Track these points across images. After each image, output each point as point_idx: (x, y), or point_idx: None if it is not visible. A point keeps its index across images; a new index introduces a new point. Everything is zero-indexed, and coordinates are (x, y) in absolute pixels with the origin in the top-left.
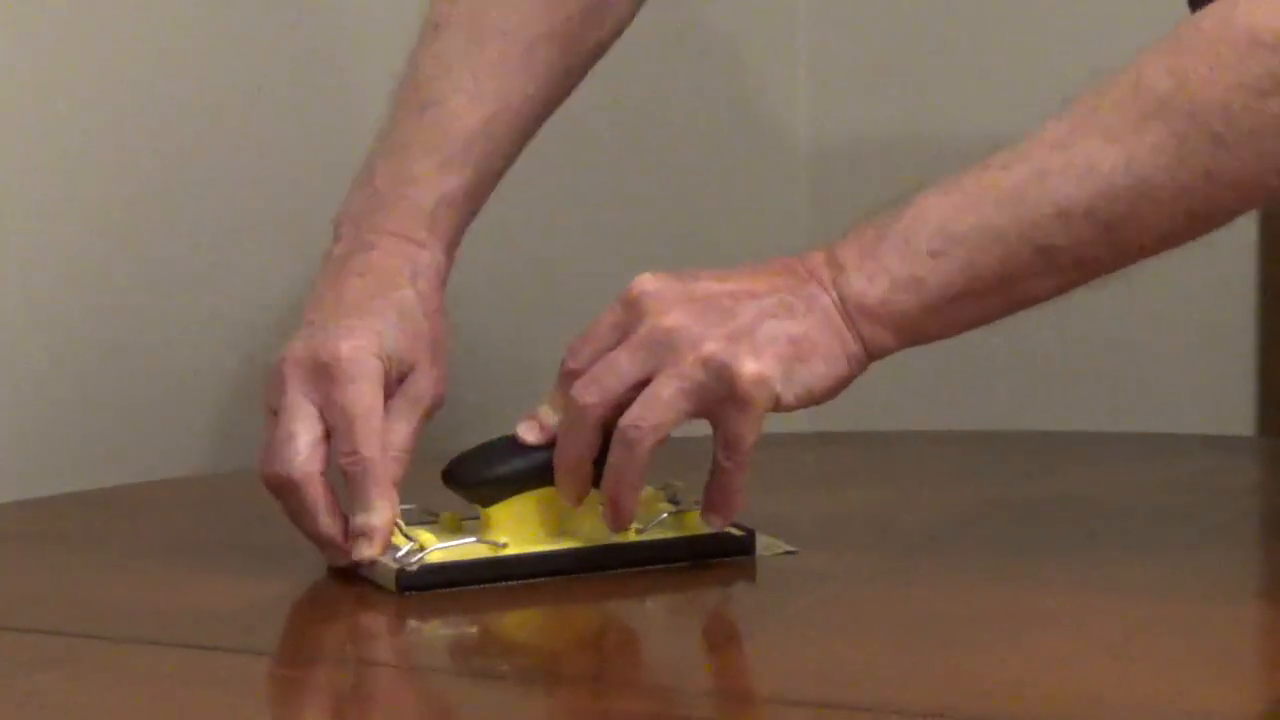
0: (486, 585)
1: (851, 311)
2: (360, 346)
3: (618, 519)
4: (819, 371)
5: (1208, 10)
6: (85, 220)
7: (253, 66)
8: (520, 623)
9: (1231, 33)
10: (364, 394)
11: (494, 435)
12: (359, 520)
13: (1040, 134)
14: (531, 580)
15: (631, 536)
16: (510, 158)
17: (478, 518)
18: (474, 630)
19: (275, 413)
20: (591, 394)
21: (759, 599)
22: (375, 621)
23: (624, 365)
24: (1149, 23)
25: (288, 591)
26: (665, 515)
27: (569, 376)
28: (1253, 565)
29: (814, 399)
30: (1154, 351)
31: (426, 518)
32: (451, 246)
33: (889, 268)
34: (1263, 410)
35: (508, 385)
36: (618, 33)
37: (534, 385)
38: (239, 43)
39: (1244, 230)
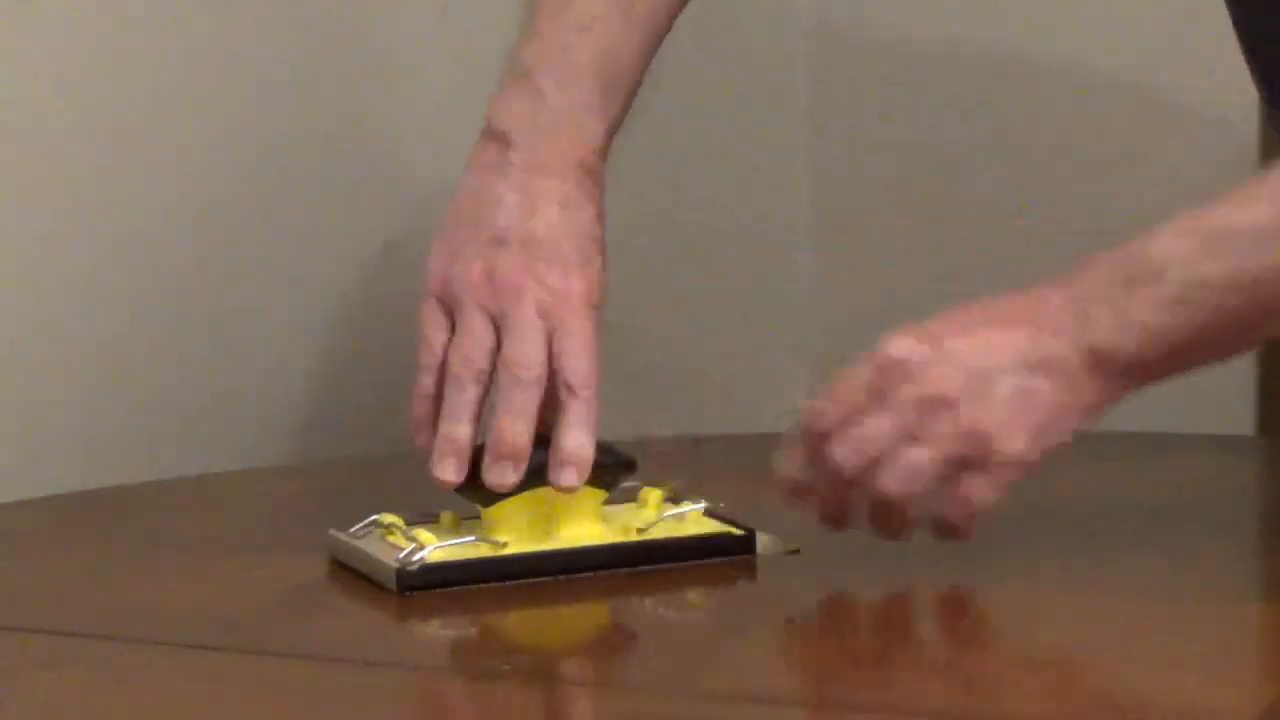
0: (487, 585)
1: (1098, 366)
2: (590, 287)
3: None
4: (1061, 435)
5: None
6: (88, 221)
7: (274, 63)
8: (520, 623)
9: None
10: (592, 338)
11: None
12: (572, 442)
13: (1270, 172)
14: (532, 580)
15: (632, 536)
16: (659, 41)
17: (478, 517)
18: (474, 630)
19: (483, 308)
20: (853, 460)
21: (759, 599)
22: (376, 621)
23: (886, 432)
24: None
25: (288, 591)
26: (667, 515)
27: (814, 439)
28: (1253, 565)
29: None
30: None
31: (427, 518)
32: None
33: (1138, 319)
34: (1263, 410)
35: None
36: None
37: None
38: (257, 41)
39: None
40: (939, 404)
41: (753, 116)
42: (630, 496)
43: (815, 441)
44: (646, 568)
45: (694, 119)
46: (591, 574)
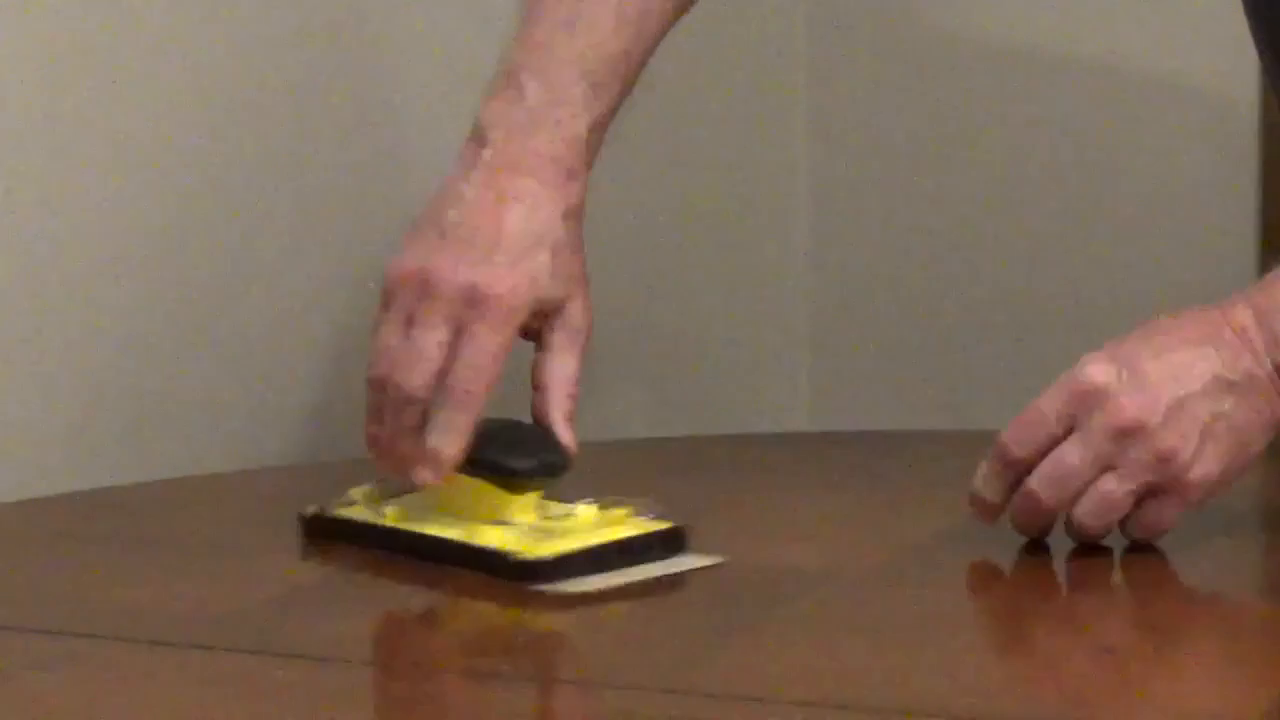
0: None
1: None
2: (516, 288)
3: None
4: (1251, 456)
5: None
6: (86, 221)
7: (274, 63)
8: (520, 622)
9: None
10: (500, 338)
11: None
12: (434, 442)
13: None
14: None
15: (523, 546)
16: (657, 38)
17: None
18: (474, 630)
19: (410, 319)
20: (1052, 495)
21: (758, 599)
22: (375, 621)
23: (1083, 466)
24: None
25: (287, 591)
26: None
27: (1011, 465)
28: (1253, 565)
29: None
30: None
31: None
32: (586, 179)
33: None
34: None
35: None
36: None
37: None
38: (256, 41)
39: (1244, 230)
40: (1135, 433)
41: (752, 117)
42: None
43: (1011, 468)
44: (643, 557)
45: (692, 120)
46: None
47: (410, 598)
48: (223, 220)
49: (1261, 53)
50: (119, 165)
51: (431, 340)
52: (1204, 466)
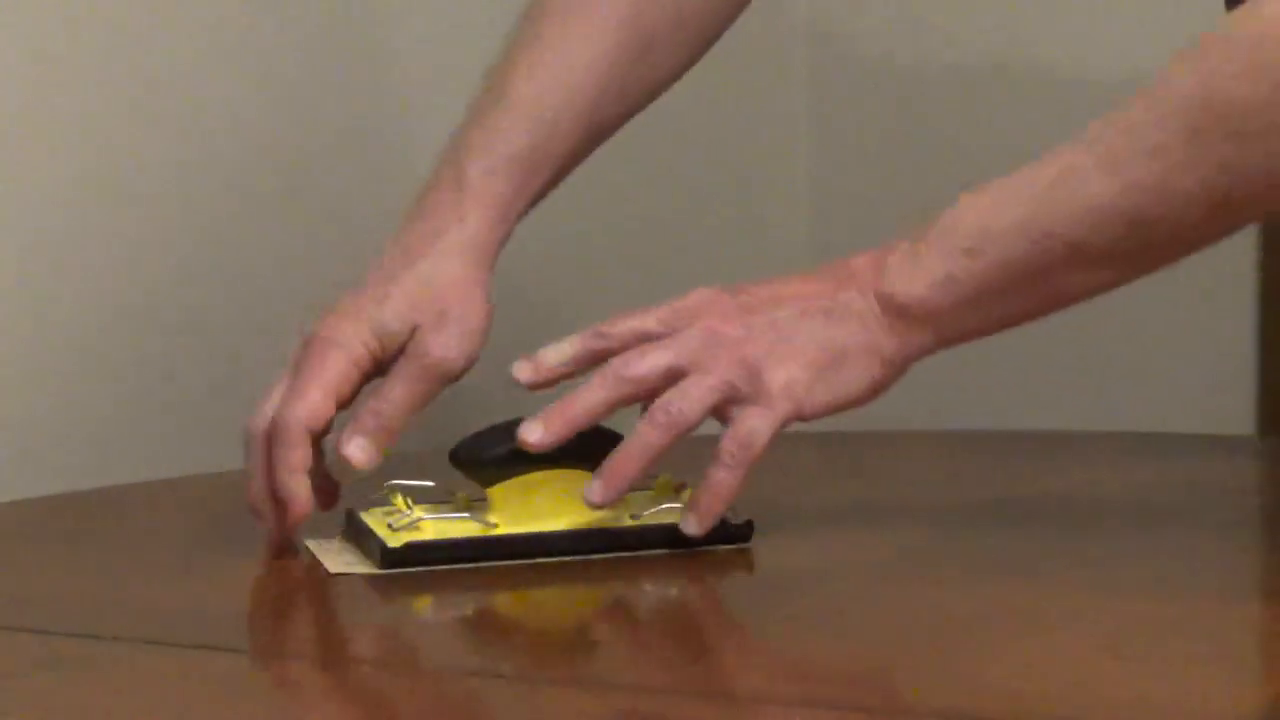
0: (483, 575)
1: (890, 312)
2: (337, 326)
3: (608, 491)
4: (849, 376)
5: (1234, 11)
6: (86, 222)
7: (274, 63)
8: (520, 622)
9: (1251, 32)
10: (311, 367)
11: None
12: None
13: (1076, 135)
14: (524, 561)
15: (626, 522)
16: (588, 128)
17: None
18: (474, 630)
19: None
20: (632, 369)
21: (758, 598)
22: (376, 621)
23: (668, 355)
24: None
25: (287, 591)
26: (661, 506)
27: (598, 337)
28: (1252, 565)
29: (839, 408)
30: (1154, 351)
31: (443, 496)
32: (502, 214)
33: (928, 267)
34: (1263, 410)
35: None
36: (711, 8)
37: None
38: (257, 40)
39: (1244, 230)
40: (720, 336)
41: (752, 127)
42: (646, 485)
43: (593, 342)
44: (646, 562)
45: (692, 120)
46: (583, 559)
47: (409, 598)
48: (221, 221)
49: None
50: (119, 165)
51: (272, 389)
52: (787, 373)
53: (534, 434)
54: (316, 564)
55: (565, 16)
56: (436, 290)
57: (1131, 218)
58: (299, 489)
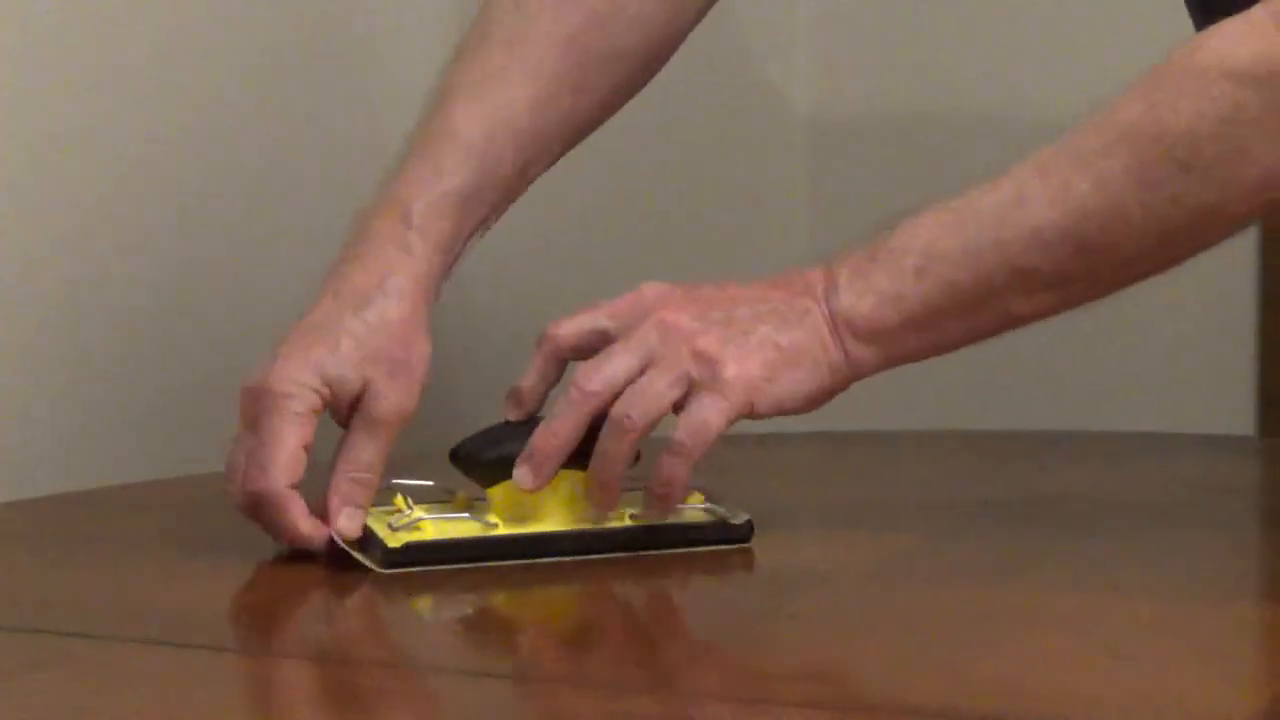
0: (484, 574)
1: (839, 326)
2: (289, 377)
3: (604, 502)
4: (799, 378)
5: (1183, 44)
6: (84, 221)
7: (271, 62)
8: (520, 622)
9: (1199, 64)
10: (274, 425)
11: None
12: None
13: (1028, 159)
14: (524, 561)
15: (626, 522)
16: (525, 164)
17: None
18: (473, 630)
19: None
20: (594, 384)
21: (759, 599)
22: (376, 621)
23: (625, 359)
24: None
25: (287, 591)
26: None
27: (553, 344)
28: (1253, 565)
29: (787, 409)
30: (1154, 351)
31: (443, 496)
32: (445, 250)
33: (876, 285)
34: (1263, 410)
35: (518, 368)
36: (651, 42)
37: None
38: (256, 42)
39: (1244, 231)
40: (675, 329)
41: (753, 118)
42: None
43: (549, 351)
44: (646, 562)
45: (693, 121)
46: (583, 559)
47: (409, 598)
48: (219, 221)
49: None
50: (119, 166)
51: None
52: (741, 366)
53: (528, 480)
54: (316, 564)
55: (508, 49)
56: (387, 339)
57: (1079, 244)
58: (314, 531)
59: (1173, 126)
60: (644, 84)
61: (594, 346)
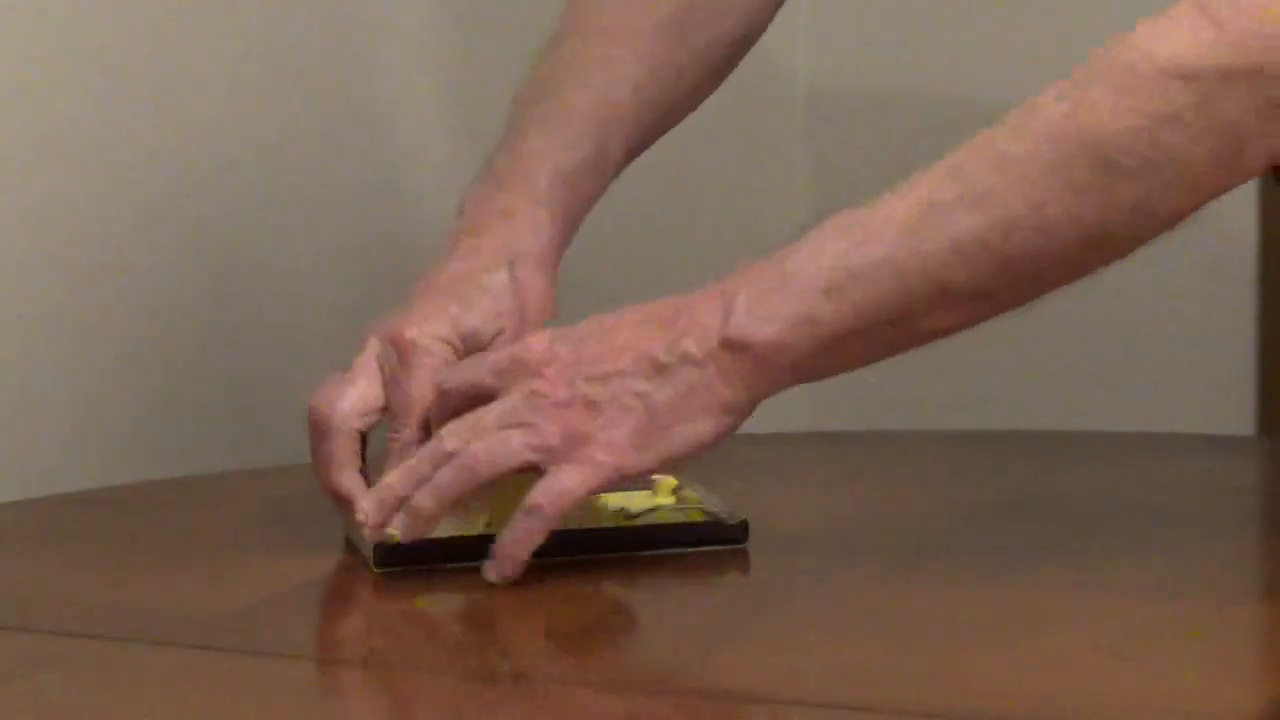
0: (477, 565)
1: (738, 356)
2: (427, 331)
3: (409, 533)
4: (680, 432)
5: (1111, 40)
6: (88, 222)
7: (272, 62)
8: (520, 622)
9: (1125, 61)
10: (418, 380)
11: None
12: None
13: (940, 161)
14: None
15: (623, 522)
16: (629, 145)
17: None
18: (474, 630)
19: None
20: (455, 441)
21: (758, 599)
22: (376, 622)
23: (491, 421)
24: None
25: (287, 592)
26: (662, 506)
27: (438, 391)
28: (1253, 565)
29: (669, 466)
30: (1154, 351)
31: None
32: (569, 220)
33: (780, 309)
34: (1263, 410)
35: None
36: (742, 25)
37: None
38: (261, 44)
39: (1244, 230)
40: (544, 398)
41: (753, 119)
42: (645, 484)
43: (440, 403)
44: (645, 562)
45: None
46: (581, 559)
47: (409, 597)
48: (223, 221)
49: None
50: (120, 166)
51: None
52: (609, 437)
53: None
54: (316, 564)
55: (610, 36)
56: (520, 299)
57: (1002, 254)
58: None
59: (1100, 126)
60: (733, 68)
61: (471, 403)
